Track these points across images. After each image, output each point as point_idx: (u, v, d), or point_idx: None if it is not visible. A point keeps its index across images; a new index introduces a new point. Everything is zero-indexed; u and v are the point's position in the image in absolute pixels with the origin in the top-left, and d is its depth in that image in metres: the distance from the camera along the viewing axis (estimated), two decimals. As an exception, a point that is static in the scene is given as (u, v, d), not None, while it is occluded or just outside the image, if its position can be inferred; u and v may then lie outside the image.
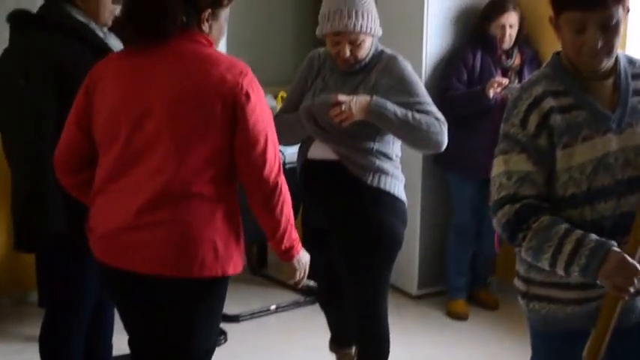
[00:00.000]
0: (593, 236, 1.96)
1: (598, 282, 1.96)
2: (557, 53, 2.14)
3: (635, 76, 2.11)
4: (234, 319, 4.30)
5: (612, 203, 2.04)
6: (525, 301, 2.24)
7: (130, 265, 2.22)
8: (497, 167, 2.08)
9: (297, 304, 4.54)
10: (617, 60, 2.08)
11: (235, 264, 2.30)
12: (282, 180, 2.28)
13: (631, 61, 2.14)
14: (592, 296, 2.09)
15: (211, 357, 2.44)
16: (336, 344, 3.41)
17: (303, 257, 2.43)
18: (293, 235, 2.35)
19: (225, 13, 2.35)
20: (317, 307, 3.50)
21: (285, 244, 2.34)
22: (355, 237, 3.00)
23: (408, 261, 4.57)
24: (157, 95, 2.17)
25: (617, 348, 2.23)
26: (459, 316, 4.41)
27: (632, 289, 1.93)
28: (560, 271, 2.00)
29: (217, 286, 2.30)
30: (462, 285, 4.50)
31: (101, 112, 2.25)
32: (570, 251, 1.95)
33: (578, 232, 1.97)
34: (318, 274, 3.28)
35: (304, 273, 2.46)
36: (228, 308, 4.31)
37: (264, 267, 5.15)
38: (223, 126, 2.17)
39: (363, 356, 3.18)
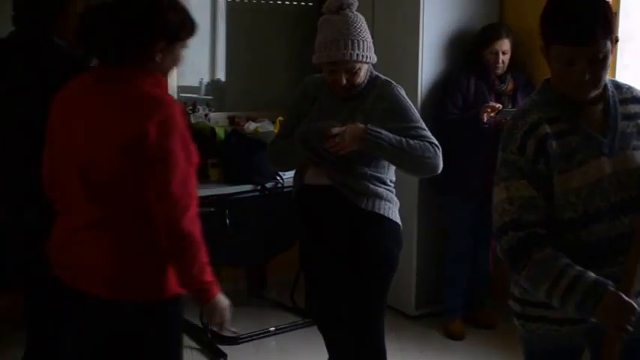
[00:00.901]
0: (592, 274, 1.97)
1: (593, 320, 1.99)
2: (547, 80, 2.16)
3: (622, 101, 2.13)
4: (234, 340, 4.28)
5: (606, 225, 2.06)
6: (521, 321, 2.25)
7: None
8: (500, 194, 2.09)
9: (295, 326, 4.53)
10: (605, 86, 2.10)
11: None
12: (189, 219, 2.19)
13: (618, 87, 2.16)
14: None
15: None
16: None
17: (220, 302, 2.31)
18: (205, 277, 2.26)
19: (182, 46, 2.31)
20: (315, 328, 3.50)
21: (193, 285, 2.27)
22: (351, 258, 3.00)
23: (406, 282, 4.57)
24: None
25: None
26: (455, 336, 4.40)
27: (630, 328, 1.94)
28: (556, 305, 2.01)
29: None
30: (459, 305, 4.49)
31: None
32: (566, 287, 1.96)
33: (577, 269, 1.98)
34: (316, 296, 3.29)
35: (224, 318, 2.35)
36: (227, 330, 4.36)
37: (263, 289, 5.15)
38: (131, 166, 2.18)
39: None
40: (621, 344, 1.99)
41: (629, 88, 2.18)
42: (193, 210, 2.22)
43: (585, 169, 2.04)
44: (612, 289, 1.94)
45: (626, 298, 1.92)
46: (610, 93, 2.12)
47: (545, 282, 1.99)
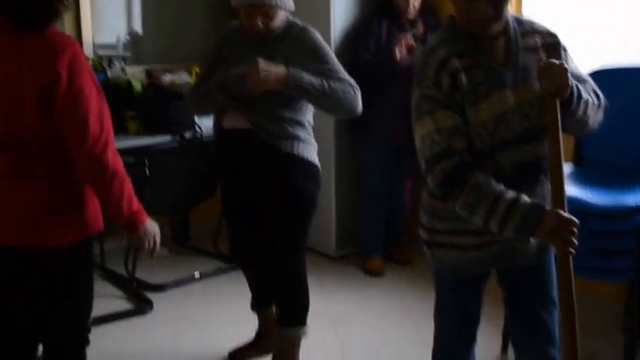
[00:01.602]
0: (526, 197, 2.04)
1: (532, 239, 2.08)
2: (452, 17, 2.21)
3: (524, 35, 2.19)
4: (160, 288, 4.30)
5: (511, 154, 2.14)
6: (430, 250, 2.35)
7: None
8: (425, 126, 2.10)
9: (220, 271, 4.56)
10: (507, 21, 2.16)
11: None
12: (111, 154, 2.25)
13: (520, 21, 2.22)
14: (489, 241, 2.21)
15: None
16: (257, 304, 3.46)
17: (150, 227, 2.40)
18: (134, 207, 2.33)
19: None
20: (239, 272, 3.54)
21: (124, 217, 2.32)
22: (272, 201, 3.04)
23: (326, 224, 4.66)
24: None
25: (511, 291, 2.36)
26: (374, 273, 4.52)
27: (575, 240, 2.01)
28: (494, 229, 2.06)
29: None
30: (377, 243, 4.61)
31: None
32: (505, 210, 2.02)
33: (512, 193, 2.04)
34: (239, 239, 3.33)
35: (154, 242, 2.42)
36: (154, 278, 4.37)
37: (187, 238, 5.15)
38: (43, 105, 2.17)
39: (283, 314, 3.23)
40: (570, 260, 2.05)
41: (531, 22, 2.24)
42: (112, 144, 2.26)
43: (490, 101, 2.11)
44: (548, 208, 2.02)
45: (565, 214, 2.00)
46: (512, 27, 2.17)
47: (482, 207, 2.04)
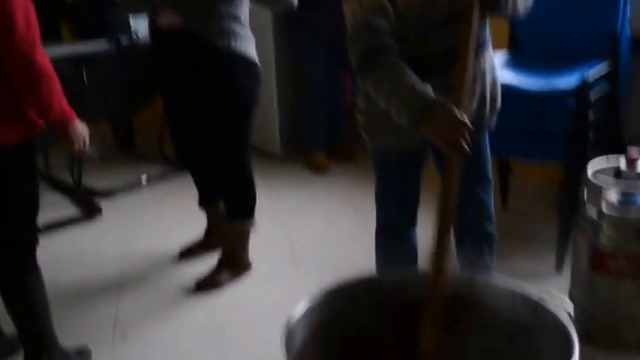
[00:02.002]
0: (429, 88, 1.99)
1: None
2: None
3: None
4: (108, 194, 4.28)
5: (436, 39, 2.13)
6: (367, 134, 2.38)
7: None
8: (351, 4, 2.08)
9: (166, 175, 4.55)
10: None
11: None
12: (39, 52, 2.24)
13: None
14: None
15: None
16: (204, 201, 3.48)
17: (81, 127, 2.43)
18: (63, 106, 2.35)
19: None
20: (186, 175, 3.55)
21: (54, 116, 2.34)
22: (212, 100, 3.02)
23: (269, 122, 4.67)
24: None
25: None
26: (319, 169, 4.58)
27: (465, 145, 1.92)
28: (394, 115, 2.05)
29: None
30: (321, 139, 4.64)
31: None
32: (403, 97, 1.99)
33: (415, 79, 2.00)
34: (182, 140, 3.32)
35: (84, 142, 2.45)
36: (100, 184, 4.35)
37: (132, 145, 5.10)
38: None
39: (230, 208, 3.27)
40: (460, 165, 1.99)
41: None
42: (39, 42, 2.24)
43: None
44: (445, 103, 1.94)
45: (458, 115, 1.90)
46: None
47: (385, 89, 2.03)
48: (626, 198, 2.61)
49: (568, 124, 3.20)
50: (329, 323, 2.11)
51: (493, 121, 2.44)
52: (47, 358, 2.57)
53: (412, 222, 2.57)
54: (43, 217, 2.63)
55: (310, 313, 2.07)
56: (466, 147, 1.91)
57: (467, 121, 1.92)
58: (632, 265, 2.60)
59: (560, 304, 2.02)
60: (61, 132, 2.38)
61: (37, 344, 2.57)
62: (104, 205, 4.15)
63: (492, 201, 2.53)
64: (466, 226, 2.54)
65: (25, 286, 2.49)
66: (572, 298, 2.74)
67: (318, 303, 2.11)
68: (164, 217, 4.03)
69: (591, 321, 2.67)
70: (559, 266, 3.27)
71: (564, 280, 3.04)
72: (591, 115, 3.16)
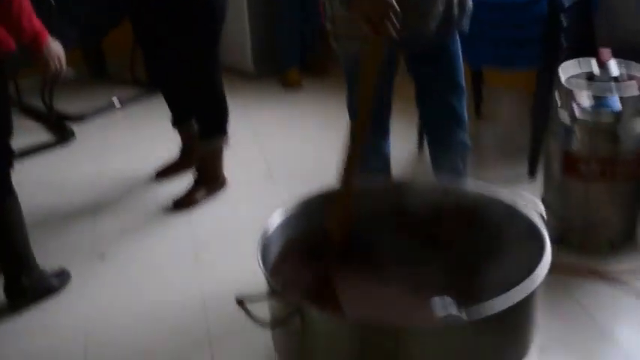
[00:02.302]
0: None
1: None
2: None
3: None
4: (80, 118, 4.21)
5: None
6: (335, 41, 2.35)
7: None
8: None
9: (139, 97, 4.47)
10: None
11: None
12: None
13: None
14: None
15: None
16: (177, 121, 3.42)
17: (54, 46, 2.38)
18: (35, 25, 2.30)
19: None
20: (158, 97, 3.49)
21: (26, 35, 2.29)
22: (178, 17, 2.94)
23: (241, 41, 4.58)
24: None
25: (419, 79, 2.36)
26: (293, 85, 4.51)
27: (390, 27, 1.88)
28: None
29: None
30: (293, 55, 4.56)
31: None
32: None
33: None
34: (153, 60, 3.25)
35: (59, 62, 2.40)
36: (73, 109, 4.27)
37: (103, 69, 4.98)
38: None
39: (203, 126, 3.22)
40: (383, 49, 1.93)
41: None
42: None
43: None
44: None
45: None
46: None
47: None
48: (597, 101, 2.60)
49: (541, 30, 3.16)
50: (304, 235, 2.11)
51: (464, 23, 2.39)
52: (26, 280, 2.56)
53: (384, 131, 2.55)
54: (16, 142, 2.57)
55: (285, 225, 2.07)
56: (390, 28, 1.88)
57: (393, 2, 1.87)
58: (603, 169, 2.61)
59: (533, 207, 2.02)
60: (35, 52, 2.32)
61: (16, 266, 2.56)
62: (77, 129, 4.08)
63: (465, 110, 2.51)
64: (440, 135, 2.53)
65: (2, 209, 2.46)
66: (545, 202, 2.73)
67: (292, 215, 2.10)
68: (138, 138, 3.97)
69: (564, 224, 2.70)
70: (532, 172, 3.28)
71: (537, 185, 3.06)
72: (564, 20, 3.11)
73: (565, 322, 2.35)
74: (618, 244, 2.75)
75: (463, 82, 2.46)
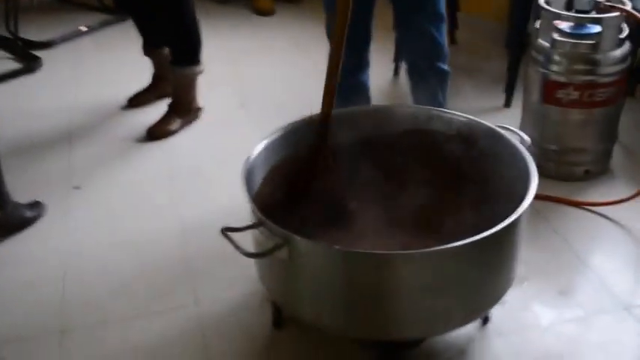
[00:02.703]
0: None
1: None
2: None
3: None
4: (47, 45, 4.04)
5: None
6: None
7: None
8: None
9: (107, 23, 4.30)
10: None
11: None
12: None
13: None
14: None
15: None
16: (148, 48, 3.30)
17: None
18: None
19: None
20: (126, 23, 3.36)
21: None
22: None
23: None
24: None
25: (398, 6, 2.29)
26: (265, 12, 4.40)
27: None
28: None
29: None
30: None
31: None
32: None
33: None
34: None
35: None
36: (39, 35, 4.10)
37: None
38: None
39: (176, 54, 3.11)
40: None
41: None
42: None
43: None
44: None
45: None
46: None
47: None
48: (577, 27, 2.57)
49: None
50: (285, 162, 2.06)
51: None
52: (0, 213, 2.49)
53: (363, 62, 2.49)
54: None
55: (267, 152, 2.01)
56: None
57: None
58: (581, 95, 2.59)
59: (517, 137, 2.00)
60: None
61: None
62: (44, 56, 3.92)
63: (445, 38, 2.45)
64: (419, 63, 2.48)
65: None
66: (522, 131, 2.73)
67: (274, 142, 2.04)
68: (109, 65, 3.84)
69: (541, 153, 2.68)
70: (508, 101, 3.25)
71: (512, 114, 3.04)
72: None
73: (542, 250, 2.36)
74: (594, 172, 2.75)
75: (443, 10, 2.40)
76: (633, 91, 3.19)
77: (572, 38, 2.55)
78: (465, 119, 2.09)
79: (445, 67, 2.47)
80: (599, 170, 2.77)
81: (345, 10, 1.80)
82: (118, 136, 3.17)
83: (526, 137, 1.99)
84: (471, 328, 2.03)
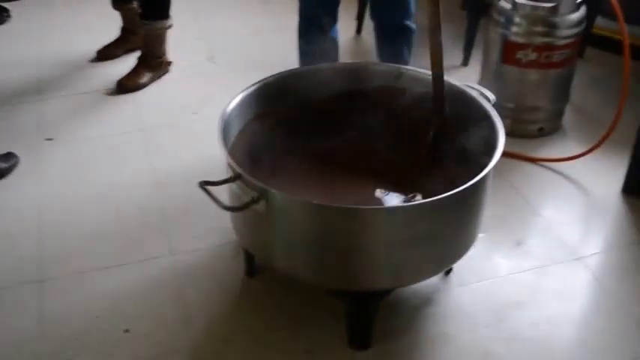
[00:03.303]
0: None
1: None
2: None
3: None
4: (14, -3, 3.85)
5: None
6: None
7: None
8: None
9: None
10: None
11: None
12: None
13: None
14: None
15: None
16: (118, 2, 3.17)
17: None
18: None
19: None
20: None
21: None
22: None
23: None
24: None
25: None
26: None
27: None
28: None
29: None
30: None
31: None
32: None
33: None
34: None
35: None
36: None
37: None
38: None
39: (145, 8, 2.98)
40: None
41: None
42: None
43: None
44: None
45: None
46: None
47: None
48: (537, -9, 2.53)
49: None
50: (261, 115, 2.00)
51: None
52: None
53: (333, 17, 2.42)
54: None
55: (242, 105, 1.94)
56: None
57: None
58: (538, 55, 2.57)
59: (481, 94, 1.96)
60: None
61: None
62: (13, 7, 3.73)
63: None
64: (387, 21, 2.42)
65: None
66: (482, 89, 2.71)
67: (250, 95, 1.97)
68: (77, 19, 3.67)
69: (498, 111, 2.65)
70: (466, 60, 3.22)
71: (471, 73, 3.01)
72: None
73: (500, 204, 2.35)
74: (547, 130, 2.75)
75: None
76: (583, 52, 3.18)
77: (533, 1, 2.52)
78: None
79: (412, 24, 2.42)
80: (552, 128, 2.76)
81: None
82: (89, 88, 3.04)
83: (491, 96, 1.96)
84: (435, 279, 2.02)
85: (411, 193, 1.90)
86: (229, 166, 1.68)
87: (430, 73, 1.99)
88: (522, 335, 1.89)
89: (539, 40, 2.54)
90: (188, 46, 3.36)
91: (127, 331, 1.89)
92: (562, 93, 2.74)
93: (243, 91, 1.95)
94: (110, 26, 3.29)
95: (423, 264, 1.72)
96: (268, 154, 1.96)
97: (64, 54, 3.31)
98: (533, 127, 2.73)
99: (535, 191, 2.45)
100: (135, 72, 3.04)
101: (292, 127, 2.02)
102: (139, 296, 2.00)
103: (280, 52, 3.02)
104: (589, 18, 2.72)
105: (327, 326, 1.89)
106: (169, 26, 3.03)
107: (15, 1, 3.80)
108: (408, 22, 2.41)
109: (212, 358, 1.82)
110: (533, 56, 2.57)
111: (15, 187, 2.45)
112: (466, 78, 2.73)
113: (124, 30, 3.26)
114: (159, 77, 3.09)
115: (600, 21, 3.12)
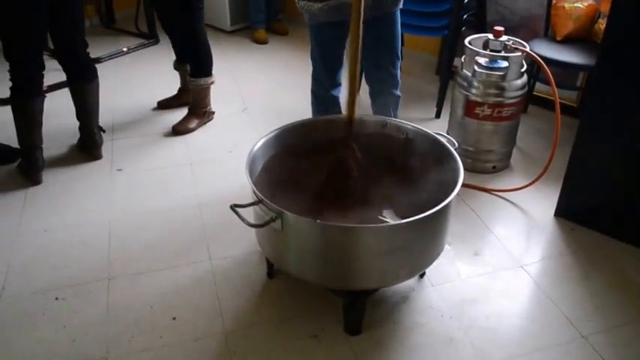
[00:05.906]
0: None
1: None
2: None
3: None
4: (96, 61, 3.90)
5: None
6: (299, 3, 2.19)
7: None
8: None
9: (143, 46, 4.18)
10: None
11: None
12: None
13: None
14: None
15: None
16: (178, 63, 3.21)
17: None
18: None
19: None
20: (159, 46, 3.24)
21: None
22: None
23: (221, 5, 4.30)
24: None
25: (369, 33, 2.23)
26: (260, 42, 4.28)
27: None
28: None
29: None
30: (261, 19, 4.31)
31: None
32: None
33: None
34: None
35: None
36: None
37: (113, 21, 4.63)
38: None
39: (194, 68, 3.01)
40: None
41: None
42: None
43: None
44: None
45: None
46: None
47: None
48: (491, 62, 2.55)
49: (449, 6, 3.05)
50: (279, 154, 2.02)
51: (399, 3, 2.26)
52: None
53: (337, 82, 2.43)
54: (48, 80, 2.34)
55: (265, 146, 1.96)
56: None
57: None
58: (492, 111, 2.58)
59: (449, 140, 1.97)
60: None
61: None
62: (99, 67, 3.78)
63: (399, 72, 2.41)
64: (379, 89, 2.43)
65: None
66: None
67: (271, 138, 1.99)
68: (145, 77, 3.71)
69: (462, 153, 2.66)
70: (438, 114, 3.23)
71: (441, 124, 3.02)
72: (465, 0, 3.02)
73: (462, 223, 2.36)
74: (499, 167, 2.75)
75: (399, 52, 2.35)
76: (526, 108, 3.20)
77: (487, 70, 2.54)
78: (411, 127, 2.06)
79: (398, 92, 2.43)
80: (502, 166, 2.77)
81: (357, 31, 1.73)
82: (150, 131, 3.08)
83: (455, 141, 1.97)
84: (411, 281, 2.02)
85: (396, 211, 1.90)
86: (254, 192, 1.69)
87: (409, 124, 2.02)
88: (478, 325, 1.89)
89: (493, 99, 2.56)
90: (227, 99, 3.40)
91: (174, 318, 1.90)
92: (510, 139, 2.75)
93: (265, 135, 1.97)
94: (168, 84, 3.32)
95: (401, 269, 1.72)
96: (289, 183, 1.97)
97: (131, 104, 3.35)
98: (488, 165, 2.73)
99: (489, 214, 2.45)
100: (186, 119, 3.07)
101: (304, 162, 2.03)
102: (184, 292, 2.00)
103: (298, 104, 3.05)
104: (530, 83, 2.74)
105: (328, 317, 1.89)
106: (212, 82, 3.07)
107: (96, 64, 3.85)
108: (395, 91, 2.42)
109: (240, 341, 1.82)
110: (488, 111, 2.58)
111: (92, 205, 2.47)
112: (437, 127, 2.77)
113: (180, 90, 3.30)
114: (204, 123, 3.12)
115: (539, 85, 3.14)
